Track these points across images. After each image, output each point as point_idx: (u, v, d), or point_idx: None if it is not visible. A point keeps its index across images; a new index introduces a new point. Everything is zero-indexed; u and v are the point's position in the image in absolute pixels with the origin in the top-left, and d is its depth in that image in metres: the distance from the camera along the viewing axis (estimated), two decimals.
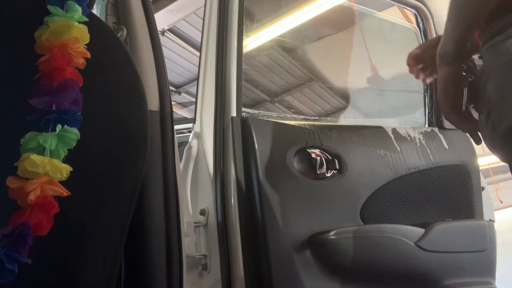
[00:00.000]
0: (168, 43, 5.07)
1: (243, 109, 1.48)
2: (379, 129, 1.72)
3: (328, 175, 1.49)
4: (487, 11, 0.86)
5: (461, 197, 1.76)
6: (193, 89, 5.98)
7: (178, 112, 6.30)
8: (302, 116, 1.86)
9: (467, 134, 0.99)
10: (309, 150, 1.48)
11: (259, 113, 1.56)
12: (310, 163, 1.47)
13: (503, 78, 0.83)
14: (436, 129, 1.86)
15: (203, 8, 1.59)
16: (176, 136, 1.13)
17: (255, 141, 1.40)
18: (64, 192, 0.76)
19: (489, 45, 0.88)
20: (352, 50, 2.43)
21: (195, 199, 1.47)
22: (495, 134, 0.84)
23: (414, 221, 1.61)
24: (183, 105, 6.37)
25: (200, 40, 1.58)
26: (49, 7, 0.85)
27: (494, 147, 0.89)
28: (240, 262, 1.33)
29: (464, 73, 0.93)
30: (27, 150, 0.75)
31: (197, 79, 1.55)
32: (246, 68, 1.52)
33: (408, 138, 1.74)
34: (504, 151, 0.86)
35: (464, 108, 0.95)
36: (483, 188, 1.85)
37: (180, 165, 1.24)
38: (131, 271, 1.00)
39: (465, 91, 0.94)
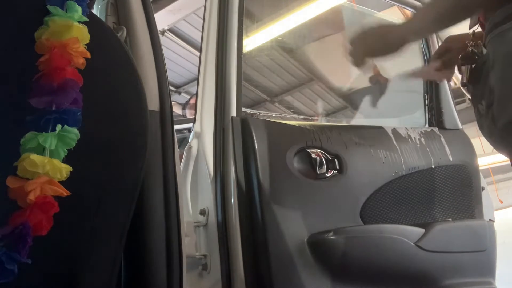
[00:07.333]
0: (168, 43, 5.07)
1: (243, 109, 1.48)
2: (379, 129, 1.72)
3: (328, 175, 1.49)
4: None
5: (461, 197, 1.75)
6: (193, 89, 5.97)
7: (178, 112, 6.29)
8: (302, 116, 1.86)
9: None
10: (309, 150, 1.48)
11: (259, 113, 1.56)
12: (310, 163, 1.47)
13: (508, 69, 0.80)
14: (436, 129, 1.86)
15: (203, 8, 1.58)
16: (176, 136, 1.13)
17: (255, 141, 1.40)
18: (64, 192, 0.76)
19: (494, 33, 0.84)
20: None
21: (195, 199, 1.47)
22: (495, 127, 0.83)
23: (414, 221, 1.61)
24: None
25: (200, 40, 1.58)
26: (49, 7, 0.85)
27: (492, 139, 0.88)
28: (240, 262, 1.33)
29: (472, 48, 0.91)
30: (27, 150, 0.75)
31: (197, 79, 1.55)
32: (246, 68, 1.52)
33: (408, 138, 1.74)
34: (504, 144, 0.85)
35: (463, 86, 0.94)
36: (483, 188, 1.85)
37: (180, 165, 1.24)
38: (131, 271, 1.00)
39: (468, 68, 0.92)
